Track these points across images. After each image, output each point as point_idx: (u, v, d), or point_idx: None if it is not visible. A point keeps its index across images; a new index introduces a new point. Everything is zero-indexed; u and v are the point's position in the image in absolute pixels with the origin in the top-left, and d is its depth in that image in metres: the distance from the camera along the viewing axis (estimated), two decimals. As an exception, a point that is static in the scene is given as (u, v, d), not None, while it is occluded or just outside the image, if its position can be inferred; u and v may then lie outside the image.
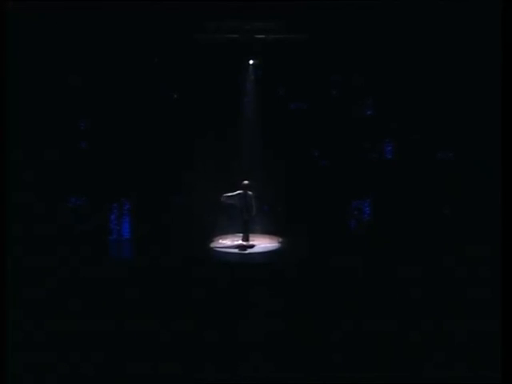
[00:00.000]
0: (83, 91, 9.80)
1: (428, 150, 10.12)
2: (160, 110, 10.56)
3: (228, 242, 10.51)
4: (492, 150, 7.13)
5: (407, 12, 8.85)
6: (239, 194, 10.31)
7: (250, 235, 10.48)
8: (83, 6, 8.43)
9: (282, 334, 6.00)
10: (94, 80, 9.83)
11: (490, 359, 5.22)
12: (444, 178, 9.84)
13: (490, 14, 6.96)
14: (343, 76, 10.81)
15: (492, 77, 6.70)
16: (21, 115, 7.83)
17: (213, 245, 10.46)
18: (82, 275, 7.61)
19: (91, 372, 5.37)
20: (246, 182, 10.37)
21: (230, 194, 10.29)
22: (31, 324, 6.03)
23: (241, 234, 10.49)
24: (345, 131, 10.68)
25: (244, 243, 10.33)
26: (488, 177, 8.06)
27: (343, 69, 10.59)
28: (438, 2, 8.57)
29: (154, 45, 10.04)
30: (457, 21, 8.77)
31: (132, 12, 8.84)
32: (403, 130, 10.43)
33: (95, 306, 6.60)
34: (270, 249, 10.20)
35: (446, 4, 8.50)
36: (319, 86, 10.85)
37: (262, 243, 10.49)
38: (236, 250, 10.09)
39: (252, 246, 10.29)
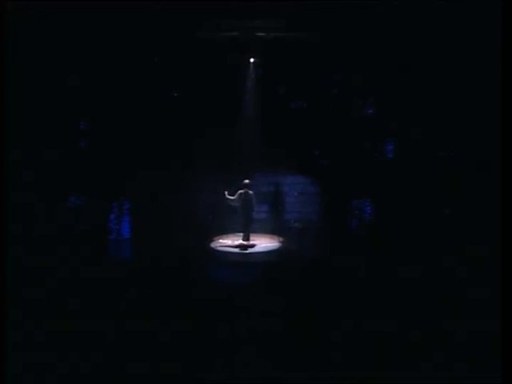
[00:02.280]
0: (83, 91, 9.80)
1: (429, 149, 10.11)
2: (160, 108, 10.56)
3: (228, 242, 10.51)
4: (492, 150, 7.11)
5: (407, 12, 8.84)
6: (240, 193, 10.31)
7: (251, 235, 10.48)
8: (83, 5, 8.42)
9: (281, 334, 5.99)
10: (94, 80, 9.83)
11: (490, 359, 5.20)
12: (444, 178, 9.83)
13: (490, 14, 6.94)
14: (343, 75, 10.81)
15: (492, 77, 6.68)
16: (20, 115, 7.81)
17: (213, 245, 10.46)
18: (81, 275, 7.60)
19: (91, 372, 5.37)
20: (246, 181, 10.37)
21: (231, 197, 10.29)
22: (31, 324, 6.02)
23: (241, 234, 10.49)
24: (345, 131, 10.67)
25: (244, 243, 10.34)
26: (488, 177, 8.04)
27: (343, 68, 10.59)
28: (439, 2, 8.55)
29: (154, 43, 10.03)
30: (457, 21, 8.75)
31: (132, 11, 8.82)
32: (404, 129, 10.42)
33: (95, 306, 6.59)
34: (271, 248, 10.21)
35: (447, 4, 8.48)
36: (319, 84, 10.84)
37: (263, 243, 10.49)
38: (236, 250, 10.10)
39: (252, 246, 10.29)
